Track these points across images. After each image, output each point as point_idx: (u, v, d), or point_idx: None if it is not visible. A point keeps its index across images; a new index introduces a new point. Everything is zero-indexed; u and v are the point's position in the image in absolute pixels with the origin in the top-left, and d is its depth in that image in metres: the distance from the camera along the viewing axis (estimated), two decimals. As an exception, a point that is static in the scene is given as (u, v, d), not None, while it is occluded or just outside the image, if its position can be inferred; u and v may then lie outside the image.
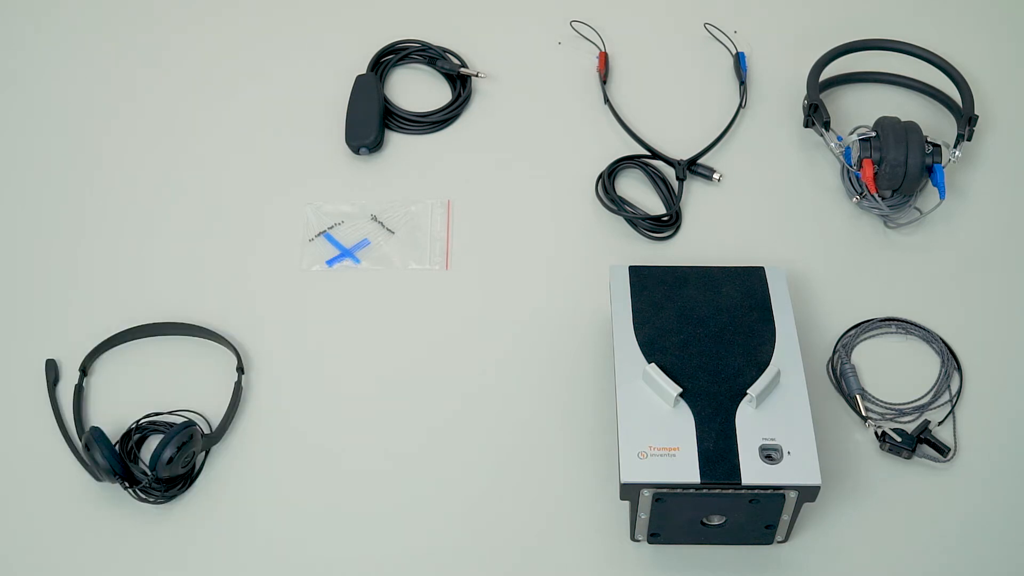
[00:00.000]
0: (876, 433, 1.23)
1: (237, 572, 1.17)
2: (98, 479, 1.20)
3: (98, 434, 1.18)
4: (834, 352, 1.30)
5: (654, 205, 1.45)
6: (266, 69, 1.61)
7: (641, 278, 1.22)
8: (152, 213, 1.46)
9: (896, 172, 1.36)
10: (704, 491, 1.08)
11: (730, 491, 1.08)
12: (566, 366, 1.30)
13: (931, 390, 1.27)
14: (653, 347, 1.16)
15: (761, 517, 1.12)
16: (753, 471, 1.07)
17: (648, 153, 1.49)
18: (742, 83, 1.56)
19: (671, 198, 1.44)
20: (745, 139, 1.52)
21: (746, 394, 1.12)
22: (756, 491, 1.07)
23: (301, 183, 1.48)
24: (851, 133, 1.43)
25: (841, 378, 1.28)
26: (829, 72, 1.55)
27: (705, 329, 1.17)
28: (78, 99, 1.58)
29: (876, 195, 1.38)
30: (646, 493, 1.08)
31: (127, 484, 1.19)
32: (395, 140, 1.53)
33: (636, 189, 1.46)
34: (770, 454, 1.08)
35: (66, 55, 1.64)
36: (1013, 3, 1.66)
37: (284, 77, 1.60)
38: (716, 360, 1.15)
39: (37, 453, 1.25)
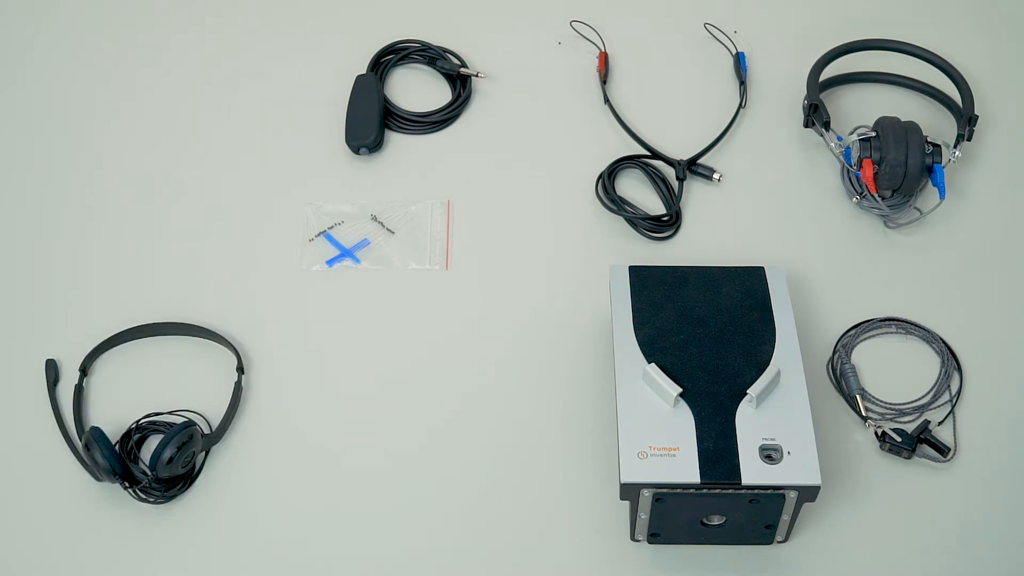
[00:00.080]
0: (876, 433, 1.23)
1: (237, 572, 1.17)
2: (98, 479, 1.20)
3: (98, 434, 1.18)
4: (834, 352, 1.30)
5: (654, 205, 1.45)
6: (266, 69, 1.61)
7: (641, 278, 1.22)
8: (152, 213, 1.46)
9: (896, 172, 1.36)
10: (704, 491, 1.08)
11: (730, 491, 1.08)
12: (566, 366, 1.30)
13: (931, 390, 1.27)
14: (653, 347, 1.16)
15: (761, 517, 1.12)
16: (753, 471, 1.07)
17: (648, 153, 1.49)
18: (742, 83, 1.56)
19: (671, 198, 1.44)
20: (745, 139, 1.52)
21: (746, 394, 1.12)
22: (756, 491, 1.07)
23: (301, 183, 1.48)
24: (851, 133, 1.43)
25: (841, 378, 1.28)
26: (829, 72, 1.55)
27: (705, 329, 1.17)
28: (78, 99, 1.58)
29: (876, 195, 1.38)
30: (646, 493, 1.08)
31: (127, 484, 1.19)
32: (395, 140, 1.53)
33: (636, 189, 1.46)
34: (770, 454, 1.08)
35: (66, 55, 1.64)
36: (1013, 3, 1.66)
37: (284, 77, 1.60)
38: (716, 360, 1.15)
39: (37, 453, 1.25)
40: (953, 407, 1.26)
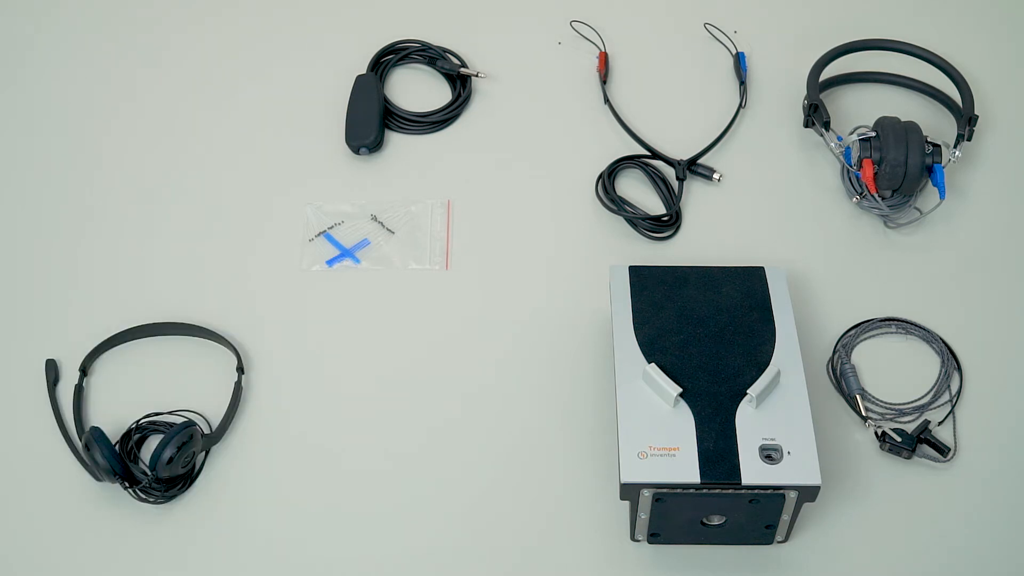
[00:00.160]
0: (876, 433, 1.23)
1: (237, 572, 1.17)
2: (98, 479, 1.20)
3: (98, 434, 1.18)
4: (834, 352, 1.30)
5: (654, 205, 1.45)
6: (266, 69, 1.61)
7: (641, 278, 1.22)
8: (152, 213, 1.46)
9: (896, 172, 1.36)
10: (704, 491, 1.08)
11: (730, 491, 1.08)
12: (566, 366, 1.30)
13: (931, 390, 1.27)
14: (653, 347, 1.16)
15: (761, 517, 1.12)
16: (753, 471, 1.07)
17: (648, 153, 1.49)
18: (742, 83, 1.56)
19: (671, 198, 1.44)
20: (745, 139, 1.52)
21: (746, 394, 1.12)
22: (756, 491, 1.07)
23: (301, 183, 1.48)
24: (851, 133, 1.43)
25: (841, 378, 1.28)
26: (829, 72, 1.55)
27: (705, 329, 1.17)
28: (78, 99, 1.58)
29: (876, 195, 1.38)
30: (646, 493, 1.08)
31: (127, 484, 1.19)
32: (395, 140, 1.53)
33: (636, 189, 1.46)
34: (770, 454, 1.08)
35: (66, 55, 1.64)
36: (1013, 3, 1.66)
37: (284, 77, 1.60)
38: (716, 360, 1.15)
39: (37, 453, 1.25)
40: (953, 407, 1.26)
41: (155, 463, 1.17)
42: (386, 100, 1.55)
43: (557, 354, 1.31)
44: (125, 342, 1.34)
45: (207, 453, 1.25)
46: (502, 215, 1.44)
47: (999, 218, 1.42)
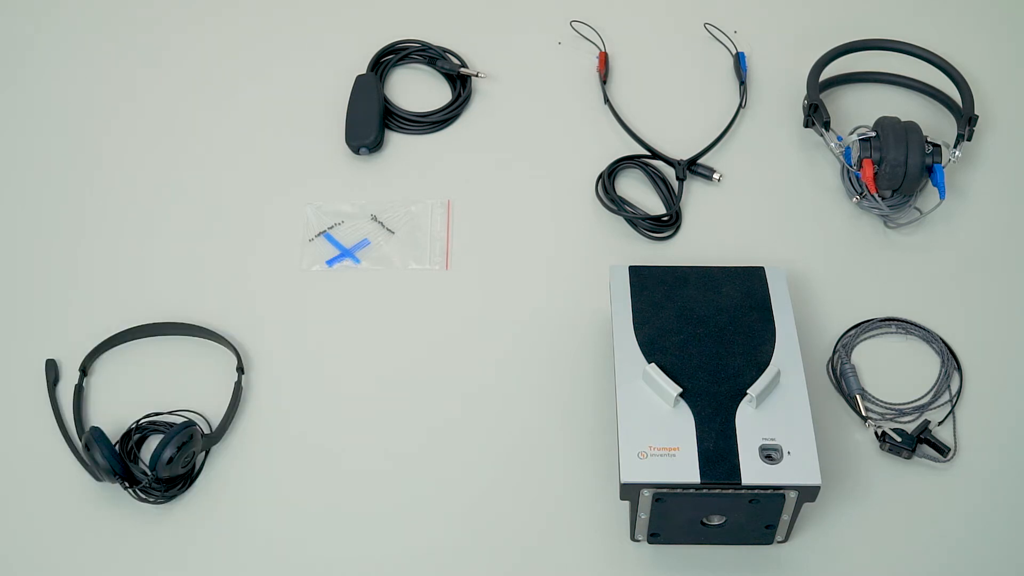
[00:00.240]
0: (876, 433, 1.23)
1: (237, 572, 1.17)
2: (98, 479, 1.20)
3: (98, 434, 1.18)
4: (834, 352, 1.30)
5: (654, 205, 1.45)
6: (266, 69, 1.61)
7: (641, 278, 1.22)
8: (152, 213, 1.46)
9: (896, 172, 1.36)
10: (704, 491, 1.08)
11: (730, 491, 1.08)
12: (566, 366, 1.30)
13: (931, 390, 1.27)
14: (653, 347, 1.16)
15: (761, 517, 1.12)
16: (753, 471, 1.07)
17: (648, 153, 1.49)
18: (742, 83, 1.56)
19: (671, 198, 1.44)
20: (745, 139, 1.52)
21: (746, 394, 1.12)
22: (756, 491, 1.07)
23: (301, 183, 1.48)
24: (851, 133, 1.43)
25: (841, 378, 1.28)
26: (829, 72, 1.55)
27: (705, 329, 1.17)
28: (78, 99, 1.58)
29: (876, 195, 1.38)
30: (646, 493, 1.08)
31: (127, 484, 1.19)
32: (395, 140, 1.53)
33: (636, 189, 1.46)
34: (770, 454, 1.08)
35: (66, 55, 1.64)
36: (1013, 3, 1.66)
37: (284, 77, 1.60)
38: (716, 360, 1.15)
39: (37, 453, 1.25)
40: (953, 407, 1.26)
41: (155, 463, 1.17)
42: (386, 100, 1.55)
43: (557, 354, 1.31)
44: (125, 342, 1.34)
45: (207, 453, 1.25)
46: (502, 215, 1.44)
47: (999, 218, 1.42)
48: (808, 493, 1.08)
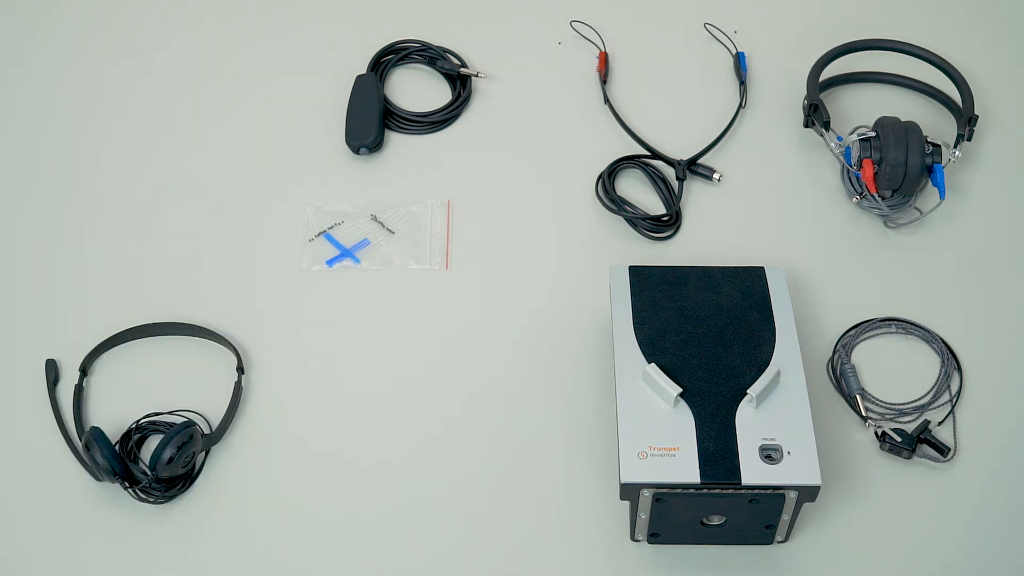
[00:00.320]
0: (876, 433, 1.23)
1: (237, 572, 1.17)
2: (98, 479, 1.20)
3: (98, 434, 1.18)
4: (834, 352, 1.30)
5: (654, 205, 1.45)
6: (266, 69, 1.61)
7: (641, 278, 1.22)
8: (152, 213, 1.46)
9: (896, 172, 1.36)
10: (704, 491, 1.08)
11: (730, 491, 1.08)
12: (566, 366, 1.30)
13: (931, 390, 1.27)
14: (653, 347, 1.16)
15: (761, 517, 1.12)
16: (753, 471, 1.07)
17: (648, 153, 1.49)
18: (742, 83, 1.56)
19: (671, 198, 1.44)
20: (745, 139, 1.52)
21: (746, 394, 1.12)
22: (756, 491, 1.07)
23: (301, 183, 1.48)
24: (851, 133, 1.43)
25: (841, 378, 1.28)
26: (829, 72, 1.55)
27: (705, 329, 1.17)
28: (78, 99, 1.58)
29: (876, 195, 1.38)
30: (646, 493, 1.08)
31: (127, 484, 1.19)
32: (395, 140, 1.53)
33: (636, 189, 1.46)
34: (770, 454, 1.08)
35: (66, 55, 1.64)
36: (1013, 3, 1.66)
37: (284, 77, 1.60)
38: (716, 360, 1.15)
39: (37, 453, 1.25)
40: (953, 407, 1.26)
41: (155, 463, 1.17)
42: (386, 100, 1.55)
43: (557, 354, 1.31)
44: (125, 342, 1.34)
45: (207, 453, 1.25)
46: (502, 215, 1.44)
47: (999, 218, 1.42)
48: (808, 493, 1.08)
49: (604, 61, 1.59)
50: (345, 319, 1.35)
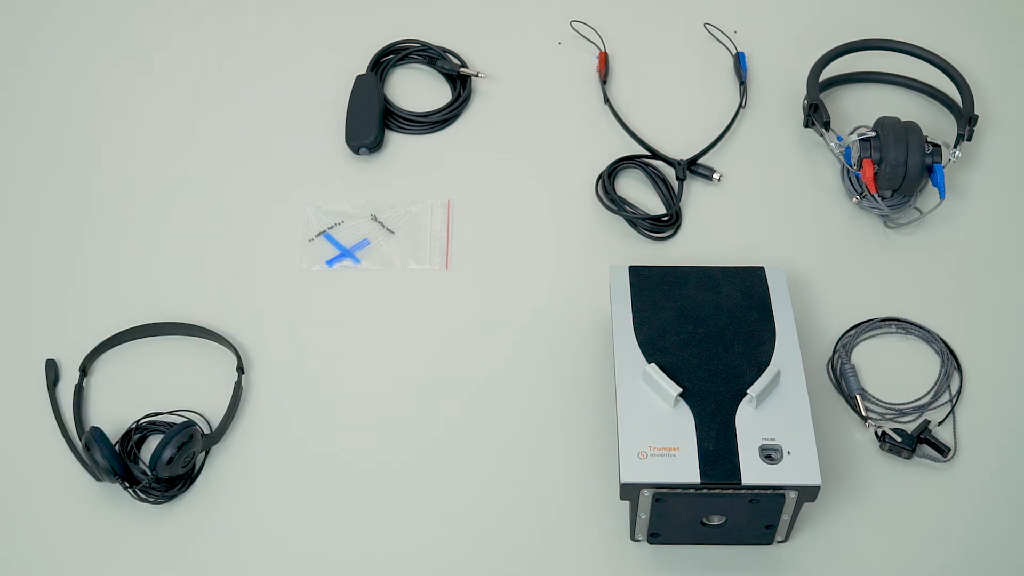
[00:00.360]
0: (876, 433, 1.23)
1: (237, 572, 1.17)
2: (98, 479, 1.20)
3: (98, 434, 1.18)
4: (834, 352, 1.30)
5: (654, 205, 1.45)
6: (266, 69, 1.61)
7: (641, 278, 1.22)
8: (152, 213, 1.46)
9: (896, 172, 1.36)
10: (704, 491, 1.08)
11: (730, 491, 1.08)
12: (566, 366, 1.30)
13: (931, 390, 1.27)
14: (653, 347, 1.16)
15: (761, 517, 1.12)
16: (753, 471, 1.07)
17: (648, 153, 1.49)
18: (742, 83, 1.56)
19: (671, 198, 1.44)
20: (745, 139, 1.52)
21: (746, 394, 1.12)
22: (756, 491, 1.07)
23: (301, 183, 1.48)
24: (851, 133, 1.43)
25: (841, 378, 1.28)
26: (829, 72, 1.55)
27: (705, 329, 1.17)
28: (78, 99, 1.58)
29: (876, 195, 1.38)
30: (646, 493, 1.08)
31: (127, 484, 1.19)
32: (395, 140, 1.53)
33: (636, 189, 1.46)
34: (770, 454, 1.08)
35: (66, 55, 1.64)
36: (1013, 3, 1.66)
37: (284, 77, 1.60)
38: (716, 360, 1.15)
39: (37, 453, 1.25)
40: (953, 407, 1.26)
41: (155, 463, 1.17)
42: (386, 100, 1.55)
43: (557, 354, 1.31)
44: (125, 342, 1.34)
45: (207, 453, 1.25)
46: (502, 215, 1.44)
47: (999, 218, 1.42)
48: (808, 493, 1.08)
49: (604, 61, 1.59)
50: (345, 319, 1.35)
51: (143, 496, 1.20)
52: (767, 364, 1.14)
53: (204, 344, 1.33)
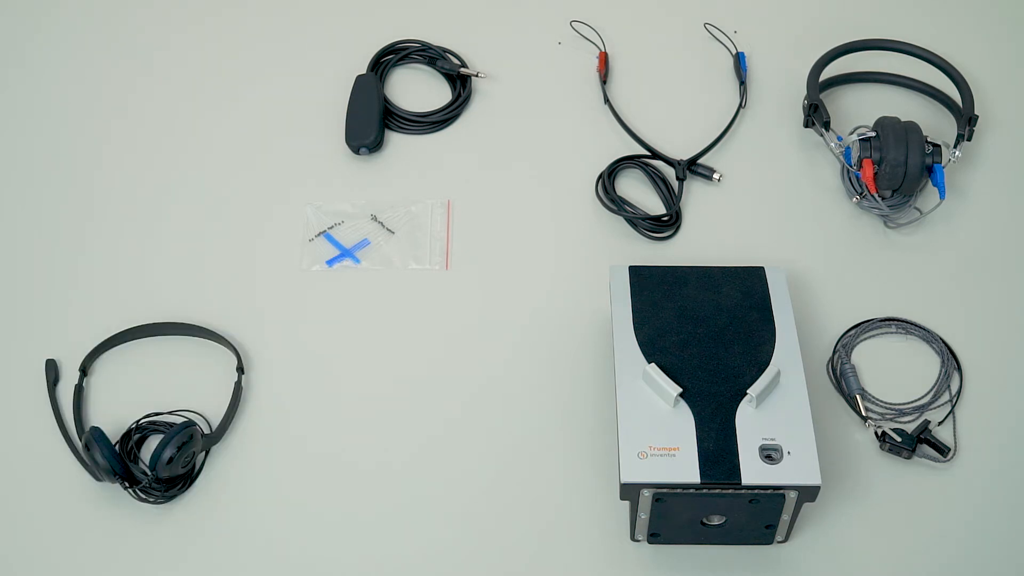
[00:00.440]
0: (876, 433, 1.23)
1: (237, 572, 1.17)
2: (98, 479, 1.20)
3: (98, 434, 1.18)
4: (834, 352, 1.30)
5: (654, 205, 1.45)
6: (266, 69, 1.61)
7: (641, 278, 1.22)
8: (152, 213, 1.46)
9: (896, 172, 1.36)
10: (704, 491, 1.08)
11: (730, 491, 1.08)
12: (566, 366, 1.30)
13: (931, 390, 1.27)
14: (653, 347, 1.16)
15: (761, 517, 1.12)
16: (753, 471, 1.07)
17: (648, 153, 1.49)
18: (742, 83, 1.56)
19: (671, 198, 1.44)
20: (745, 139, 1.52)
21: (746, 394, 1.12)
22: (756, 491, 1.07)
23: (301, 183, 1.48)
24: (851, 133, 1.43)
25: (841, 378, 1.28)
26: (829, 72, 1.55)
27: (705, 329, 1.17)
28: (78, 99, 1.58)
29: (876, 195, 1.38)
30: (646, 493, 1.08)
31: (127, 484, 1.19)
32: (395, 140, 1.53)
33: (636, 189, 1.46)
34: (770, 454, 1.08)
35: (66, 55, 1.64)
36: (1013, 3, 1.66)
37: (284, 77, 1.60)
38: (716, 360, 1.15)
39: (37, 453, 1.25)
40: (953, 407, 1.26)
41: (155, 463, 1.17)
42: (386, 100, 1.55)
43: (557, 354, 1.31)
44: (125, 342, 1.34)
45: (207, 453, 1.25)
46: (502, 215, 1.44)
47: (999, 218, 1.42)
48: (808, 493, 1.08)
49: (604, 61, 1.59)
50: (345, 319, 1.35)
51: (143, 496, 1.20)
52: (767, 364, 1.14)
53: (204, 344, 1.33)
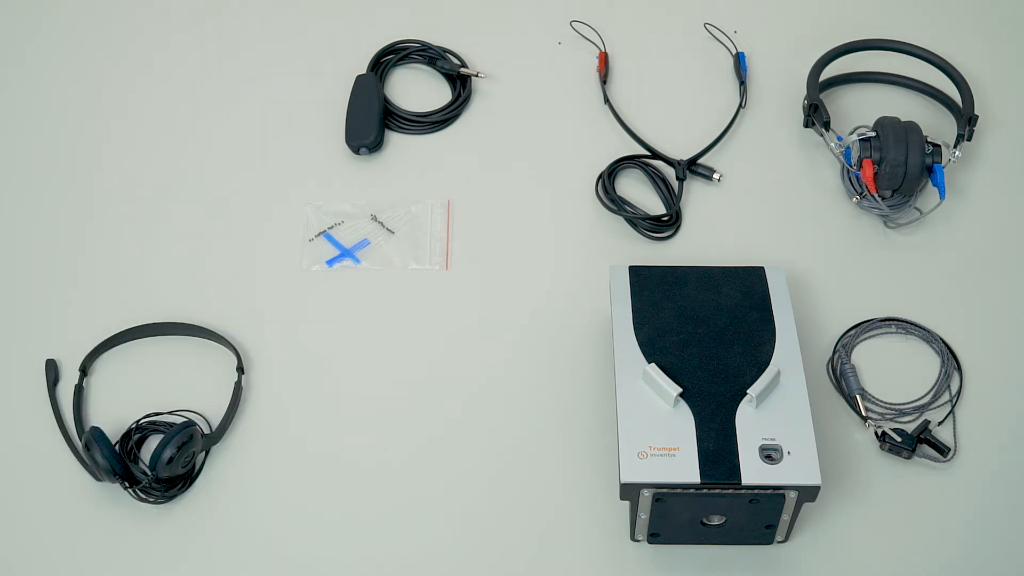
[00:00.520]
0: (876, 433, 1.23)
1: (237, 572, 1.17)
2: (98, 479, 1.20)
3: (98, 434, 1.18)
4: (834, 352, 1.30)
5: (654, 205, 1.45)
6: (266, 69, 1.61)
7: (641, 278, 1.22)
8: (152, 213, 1.46)
9: (896, 172, 1.36)
10: (704, 491, 1.08)
11: (730, 491, 1.08)
12: (566, 366, 1.30)
13: (931, 390, 1.27)
14: (653, 347, 1.16)
15: (761, 517, 1.12)
16: (753, 471, 1.07)
17: (648, 153, 1.49)
18: (742, 83, 1.56)
19: (671, 198, 1.44)
20: (745, 139, 1.52)
21: (746, 394, 1.12)
22: (756, 491, 1.07)
23: (301, 183, 1.48)
24: (851, 133, 1.43)
25: (841, 378, 1.28)
26: (829, 72, 1.55)
27: (705, 329, 1.17)
28: (78, 99, 1.58)
29: (876, 195, 1.38)
30: (646, 493, 1.08)
31: (127, 484, 1.19)
32: (395, 140, 1.53)
33: (636, 189, 1.46)
34: (770, 454, 1.08)
35: (66, 55, 1.64)
36: (1013, 3, 1.66)
37: (284, 77, 1.60)
38: (716, 360, 1.15)
39: (37, 453, 1.25)
40: (953, 407, 1.26)
41: (155, 463, 1.17)
42: (386, 100, 1.55)
43: (557, 354, 1.31)
44: (125, 342, 1.34)
45: (207, 453, 1.25)
46: (502, 215, 1.44)
47: (999, 218, 1.42)
48: (808, 493, 1.08)
49: (604, 61, 1.59)
50: (345, 319, 1.35)
51: (143, 496, 1.20)
52: (767, 364, 1.14)
53: (204, 344, 1.33)
